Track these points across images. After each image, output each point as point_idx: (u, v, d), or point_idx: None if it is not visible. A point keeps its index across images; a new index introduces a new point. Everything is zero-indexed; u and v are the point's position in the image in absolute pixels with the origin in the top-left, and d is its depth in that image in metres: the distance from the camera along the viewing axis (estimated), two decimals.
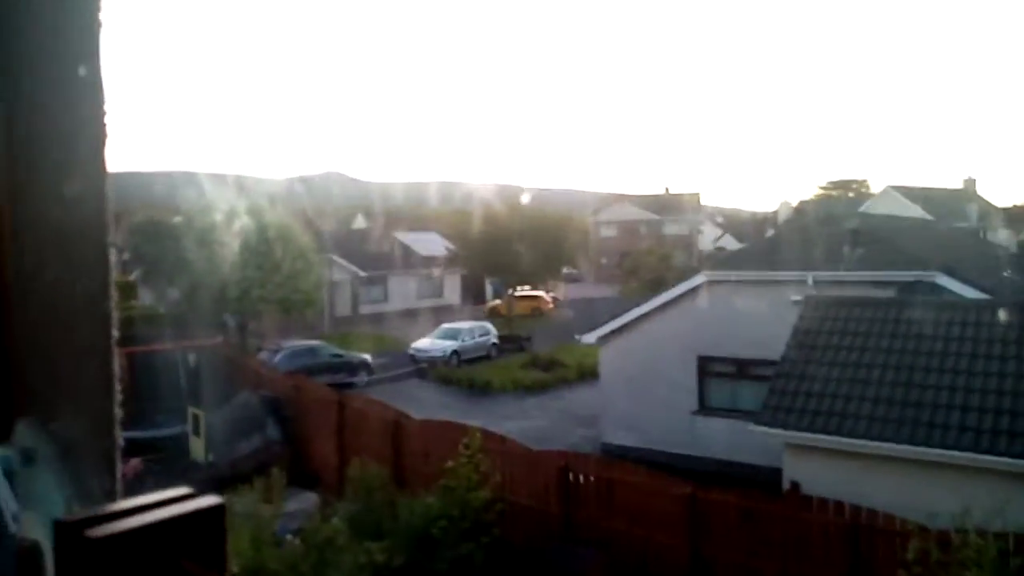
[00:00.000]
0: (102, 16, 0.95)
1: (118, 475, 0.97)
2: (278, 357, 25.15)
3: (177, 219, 26.12)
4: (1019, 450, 10.17)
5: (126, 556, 0.72)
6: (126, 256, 28.75)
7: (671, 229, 76.82)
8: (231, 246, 25.82)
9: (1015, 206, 66.91)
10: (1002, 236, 50.83)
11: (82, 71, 0.93)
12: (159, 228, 26.47)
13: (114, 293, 0.96)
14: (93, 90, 0.95)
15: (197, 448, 18.21)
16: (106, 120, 0.96)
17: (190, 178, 30.43)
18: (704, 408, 17.93)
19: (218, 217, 26.49)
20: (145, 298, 29.89)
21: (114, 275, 0.97)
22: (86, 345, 0.95)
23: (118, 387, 0.97)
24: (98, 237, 0.95)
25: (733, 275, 18.07)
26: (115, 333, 0.96)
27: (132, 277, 30.42)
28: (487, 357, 31.84)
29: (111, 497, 0.94)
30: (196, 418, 18.37)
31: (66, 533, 0.71)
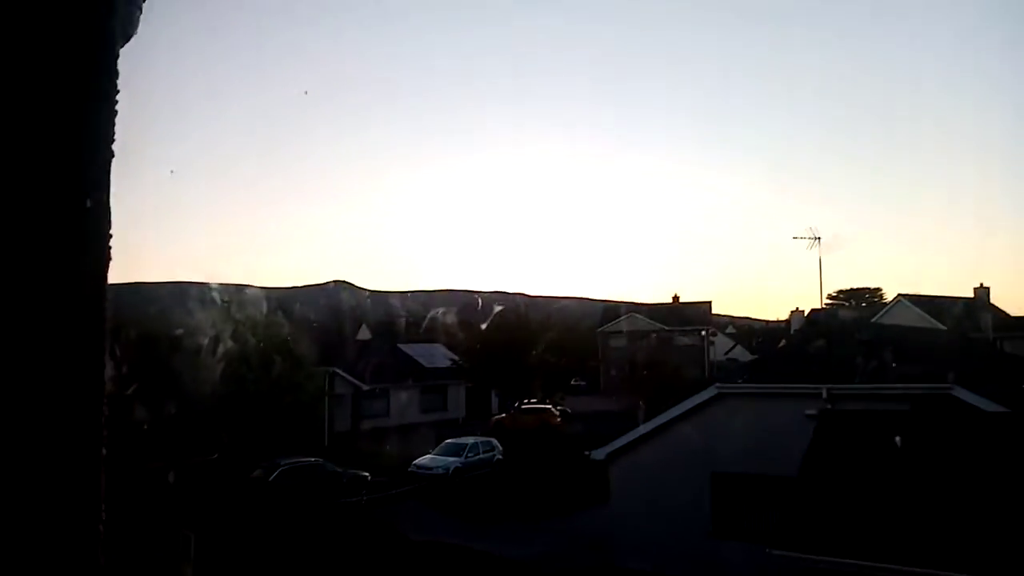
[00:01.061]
0: (114, 146, 0.96)
1: None
2: (274, 475, 24.31)
3: (178, 332, 25.99)
4: None
5: None
6: (124, 370, 28.46)
7: (681, 339, 76.28)
8: (231, 359, 25.55)
9: None
10: (1017, 346, 50.05)
11: (88, 203, 0.94)
12: (158, 341, 26.28)
13: (105, 408, 0.94)
14: (98, 218, 0.96)
15: (187, 573, 17.30)
16: (110, 244, 0.96)
17: (193, 288, 30.48)
18: (720, 529, 17.01)
19: (219, 330, 26.35)
20: (141, 412, 29.33)
21: (108, 389, 0.96)
22: (73, 457, 0.93)
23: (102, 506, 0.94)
24: (94, 356, 0.95)
25: (746, 388, 17.58)
26: (103, 450, 0.94)
27: (129, 391, 29.99)
28: (492, 474, 30.76)
29: None
30: (186, 540, 17.51)
31: None
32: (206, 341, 26.45)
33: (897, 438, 12.93)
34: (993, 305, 56.63)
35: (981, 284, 58.09)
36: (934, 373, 15.77)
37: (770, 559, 11.78)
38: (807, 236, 31.86)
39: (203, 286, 31.81)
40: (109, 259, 0.98)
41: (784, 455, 13.82)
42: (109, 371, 0.95)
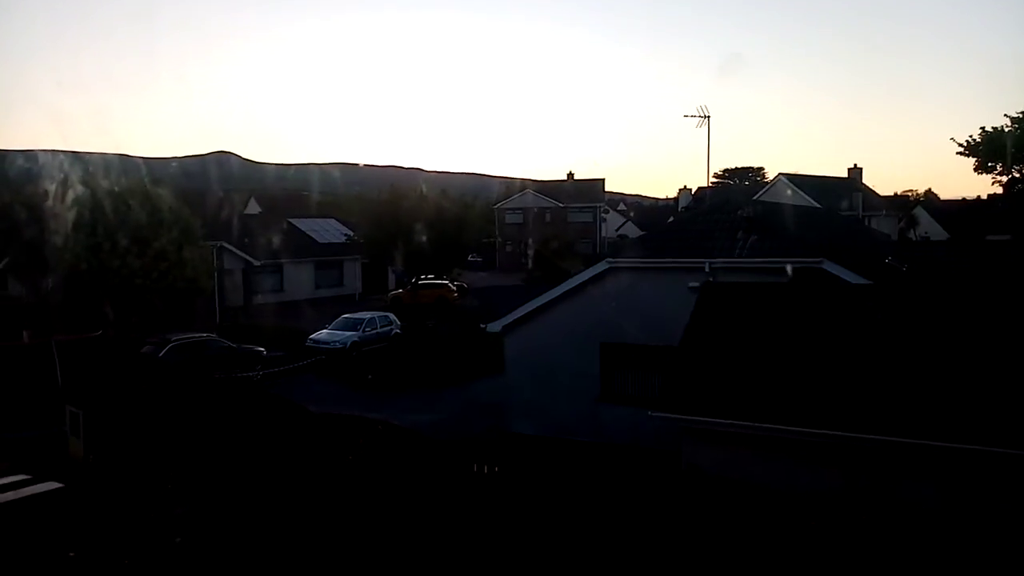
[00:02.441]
0: None
1: None
2: (164, 351, 23.74)
3: (49, 204, 24.28)
4: (899, 428, 10.53)
5: None
6: None
7: (575, 216, 77.57)
8: (109, 233, 24.18)
9: (896, 194, 70.88)
10: (884, 223, 53.77)
11: None
12: (30, 211, 24.50)
13: None
14: None
15: (76, 448, 17.01)
16: None
17: (68, 158, 28.32)
18: (608, 395, 17.98)
19: (95, 202, 24.76)
20: (15, 288, 27.69)
21: None
22: None
23: None
24: None
25: (634, 262, 18.15)
26: None
27: None
28: (390, 348, 31.11)
29: None
30: (75, 416, 17.13)
31: None
32: (82, 214, 24.88)
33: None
34: (865, 185, 60.17)
35: (855, 165, 61.44)
36: (807, 248, 16.76)
37: (650, 421, 12.65)
38: (697, 115, 32.40)
39: (75, 155, 29.57)
40: None
41: (669, 326, 14.43)
42: None
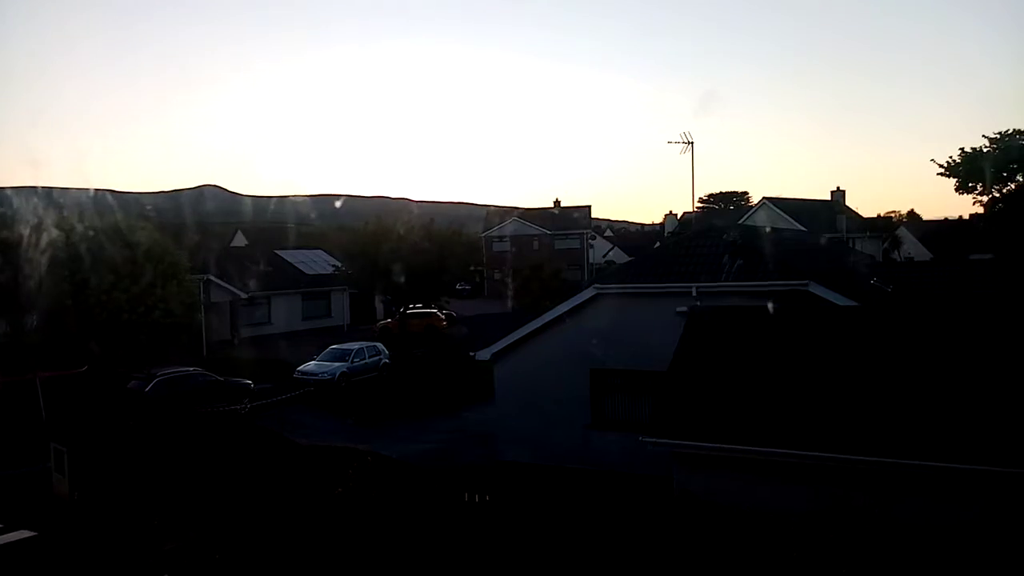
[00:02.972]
0: None
1: None
2: (150, 385, 23.52)
3: (33, 239, 24.14)
4: (889, 449, 10.55)
5: None
6: None
7: (563, 243, 77.89)
8: (96, 267, 24.04)
9: (879, 216, 71.64)
10: (868, 244, 54.31)
11: None
12: (12, 249, 24.33)
13: None
14: None
15: (61, 485, 16.77)
16: None
17: (48, 194, 28.26)
18: (598, 421, 17.93)
19: (81, 236, 24.65)
20: None
21: None
22: None
23: None
24: None
25: (622, 288, 18.20)
26: None
27: None
28: (379, 378, 31.00)
29: None
30: (59, 454, 16.90)
31: None
32: (66, 249, 24.76)
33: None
34: (847, 207, 60.76)
35: (837, 187, 62.01)
36: (793, 271, 16.88)
37: (641, 446, 12.60)
38: (681, 141, 32.77)
39: (62, 191, 29.55)
40: None
41: (658, 350, 14.39)
42: None
